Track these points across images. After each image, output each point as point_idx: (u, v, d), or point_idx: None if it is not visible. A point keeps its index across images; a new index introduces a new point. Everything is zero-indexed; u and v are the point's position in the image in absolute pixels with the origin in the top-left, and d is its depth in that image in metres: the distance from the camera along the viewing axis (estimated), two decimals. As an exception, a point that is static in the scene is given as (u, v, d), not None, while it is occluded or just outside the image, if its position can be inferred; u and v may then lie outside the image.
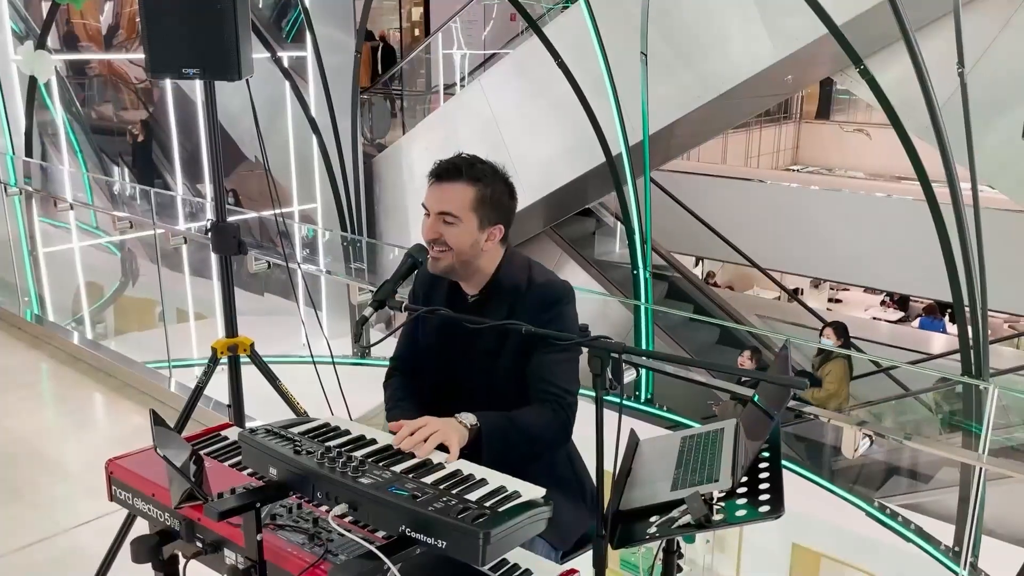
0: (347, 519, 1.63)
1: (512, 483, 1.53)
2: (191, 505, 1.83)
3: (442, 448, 1.69)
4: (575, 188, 7.34)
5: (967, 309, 4.50)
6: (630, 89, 5.88)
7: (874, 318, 14.18)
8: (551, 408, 1.97)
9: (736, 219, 10.02)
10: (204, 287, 7.50)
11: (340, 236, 6.44)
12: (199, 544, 1.81)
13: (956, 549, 4.00)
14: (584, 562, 2.04)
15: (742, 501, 1.74)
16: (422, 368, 2.22)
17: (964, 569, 3.18)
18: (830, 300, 15.71)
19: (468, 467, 1.59)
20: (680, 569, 1.97)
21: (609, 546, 1.75)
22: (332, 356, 2.98)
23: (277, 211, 2.97)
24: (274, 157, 8.56)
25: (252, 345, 2.99)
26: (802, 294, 13.91)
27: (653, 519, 1.80)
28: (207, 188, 8.06)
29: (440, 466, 1.59)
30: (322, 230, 6.44)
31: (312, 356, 2.99)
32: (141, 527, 2.40)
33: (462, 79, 8.96)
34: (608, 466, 2.30)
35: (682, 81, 6.10)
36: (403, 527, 1.41)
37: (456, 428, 1.78)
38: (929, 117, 4.20)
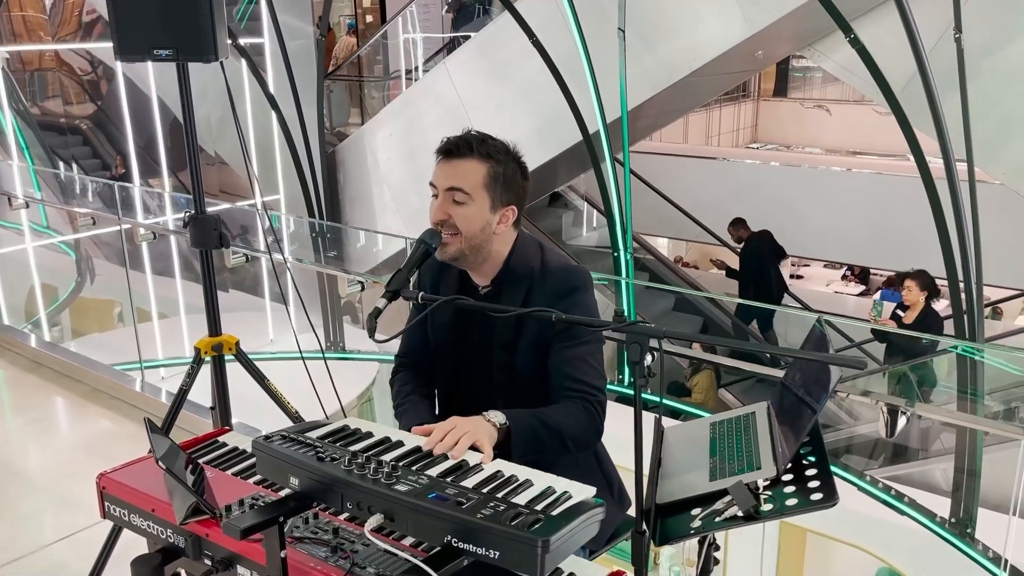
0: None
1: (560, 483, 1.42)
2: (197, 520, 1.69)
3: (473, 449, 1.58)
4: (546, 171, 7.22)
5: (952, 284, 4.48)
6: (601, 67, 5.77)
7: (836, 292, 14.34)
8: (581, 406, 1.86)
9: (701, 198, 10.00)
10: (165, 286, 7.25)
11: (309, 225, 6.24)
12: (208, 562, 1.67)
13: (953, 520, 3.99)
14: (609, 559, 1.94)
15: (790, 489, 1.65)
16: (432, 365, 2.10)
17: (1003, 560, 3.11)
18: (792, 276, 15.83)
19: (508, 467, 1.47)
20: (717, 562, 1.88)
21: (652, 543, 1.66)
22: (323, 351, 2.85)
23: (257, 201, 2.80)
24: (233, 148, 8.31)
25: (237, 343, 2.83)
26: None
27: (695, 512, 1.71)
28: (164, 182, 7.79)
29: (479, 467, 1.47)
30: (286, 216, 6.22)
31: (300, 352, 2.85)
32: (128, 540, 2.25)
33: (427, 62, 8.77)
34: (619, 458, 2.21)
35: (655, 58, 6.01)
36: (448, 537, 1.29)
37: (486, 428, 1.67)
38: (924, 90, 4.12)
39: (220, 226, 2.71)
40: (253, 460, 1.95)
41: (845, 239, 10.26)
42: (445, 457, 1.51)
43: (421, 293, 1.74)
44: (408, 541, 1.57)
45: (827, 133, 13.51)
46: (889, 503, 4.30)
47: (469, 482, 1.40)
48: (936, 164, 4.54)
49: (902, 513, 4.21)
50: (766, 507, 1.62)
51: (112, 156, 10.45)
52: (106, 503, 1.87)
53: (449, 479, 1.41)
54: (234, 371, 2.98)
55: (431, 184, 1.91)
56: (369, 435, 1.59)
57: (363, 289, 3.98)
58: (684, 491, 1.75)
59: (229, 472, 1.91)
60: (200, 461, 1.94)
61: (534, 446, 1.76)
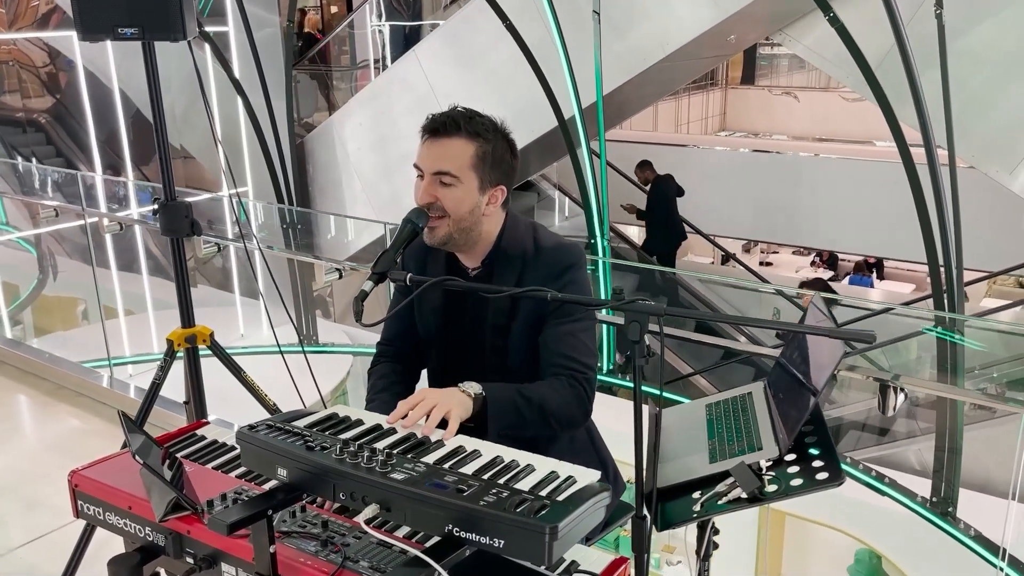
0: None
1: (563, 467, 1.35)
2: (178, 517, 1.61)
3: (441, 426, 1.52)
4: (520, 159, 7.16)
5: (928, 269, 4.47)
6: (572, 54, 5.71)
7: (806, 278, 14.42)
8: (567, 383, 1.79)
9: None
10: (130, 282, 7.07)
11: (279, 215, 6.10)
12: (190, 560, 1.59)
13: (935, 499, 4.00)
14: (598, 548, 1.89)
15: (794, 470, 1.60)
16: (419, 353, 2.02)
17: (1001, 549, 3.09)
18: (761, 263, 15.93)
19: (508, 452, 1.41)
20: (716, 546, 1.83)
21: (654, 528, 1.61)
22: (303, 344, 2.76)
23: (232, 191, 2.70)
24: (198, 140, 8.14)
25: (212, 335, 2.73)
26: (730, 261, 14.04)
27: (696, 495, 1.66)
28: (128, 171, 7.59)
29: (476, 453, 1.40)
30: (254, 203, 6.06)
31: (278, 344, 2.76)
32: (101, 540, 2.16)
33: (395, 50, 8.65)
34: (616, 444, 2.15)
35: (627, 44, 5.96)
36: (449, 527, 1.22)
37: (458, 398, 1.60)
38: (904, 70, 4.10)
39: (191, 213, 2.61)
40: (234, 453, 1.87)
41: (814, 224, 10.33)
42: (441, 444, 1.44)
43: (409, 275, 1.65)
44: (401, 532, 1.50)
45: (794, 120, 13.59)
46: (871, 484, 4.31)
47: (468, 469, 1.34)
48: (914, 149, 4.53)
49: (883, 494, 4.21)
50: (770, 488, 1.57)
51: (73, 151, 10.20)
52: (79, 502, 1.78)
53: (447, 466, 1.34)
54: (206, 365, 2.89)
55: (415, 166, 1.83)
56: (359, 423, 1.52)
57: (341, 277, 3.89)
58: (684, 474, 1.70)
59: (209, 466, 1.83)
60: (178, 455, 1.86)
61: (514, 420, 1.69)
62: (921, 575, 4.44)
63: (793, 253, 15.73)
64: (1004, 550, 2.83)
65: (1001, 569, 3.45)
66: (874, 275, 14.08)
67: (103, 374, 4.52)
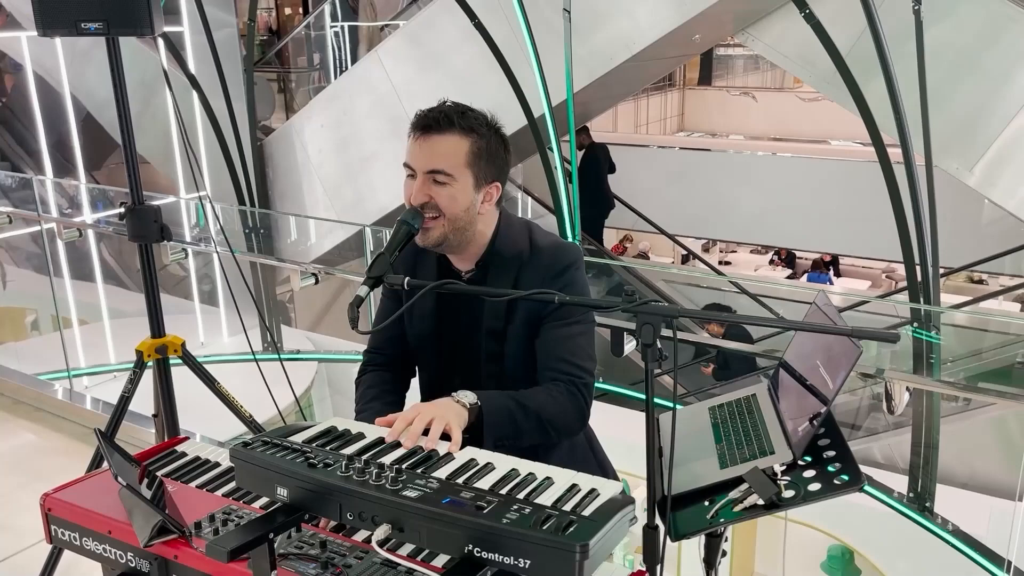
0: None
1: (583, 479, 1.29)
2: (163, 541, 1.50)
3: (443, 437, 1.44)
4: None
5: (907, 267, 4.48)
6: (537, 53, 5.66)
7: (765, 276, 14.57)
8: (565, 389, 1.72)
9: (634, 186, 10.02)
10: (83, 291, 6.85)
11: (241, 220, 5.93)
12: (177, 587, 1.49)
13: (911, 495, 4.01)
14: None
15: (810, 474, 1.56)
16: (409, 361, 1.94)
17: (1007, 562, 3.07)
18: (720, 262, 16.06)
19: (524, 464, 1.33)
20: (725, 553, 1.78)
21: (668, 539, 1.54)
22: (279, 352, 2.65)
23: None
24: (152, 144, 7.91)
25: (183, 345, 2.61)
26: (692, 260, 14.14)
27: (707, 503, 1.60)
28: (81, 176, 7.35)
29: (490, 466, 1.33)
30: (210, 205, 5.84)
31: (252, 352, 2.66)
32: (70, 562, 2.04)
33: (353, 50, 8.52)
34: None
35: (594, 44, 5.92)
36: (469, 547, 1.14)
37: (454, 410, 1.52)
38: (883, 72, 4.11)
39: (160, 217, 2.49)
40: (219, 470, 1.77)
41: (773, 223, 10.44)
42: (451, 457, 1.36)
43: (407, 278, 1.57)
44: (404, 551, 1.42)
45: (751, 120, 13.73)
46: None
47: (484, 483, 1.26)
48: (876, 148, 4.54)
49: (861, 490, 4.20)
50: (787, 494, 1.52)
51: (21, 156, 9.87)
52: (52, 527, 1.66)
53: (460, 481, 1.27)
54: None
55: (406, 164, 1.74)
56: (360, 436, 1.44)
57: (317, 282, 3.78)
58: (694, 481, 1.64)
59: (193, 485, 1.72)
60: (158, 474, 1.75)
61: (510, 429, 1.62)
62: (895, 570, 4.47)
63: (751, 252, 15.88)
64: (1010, 563, 2.81)
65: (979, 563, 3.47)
66: (831, 272, 14.28)
67: (59, 386, 4.34)
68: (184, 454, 1.86)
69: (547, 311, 1.74)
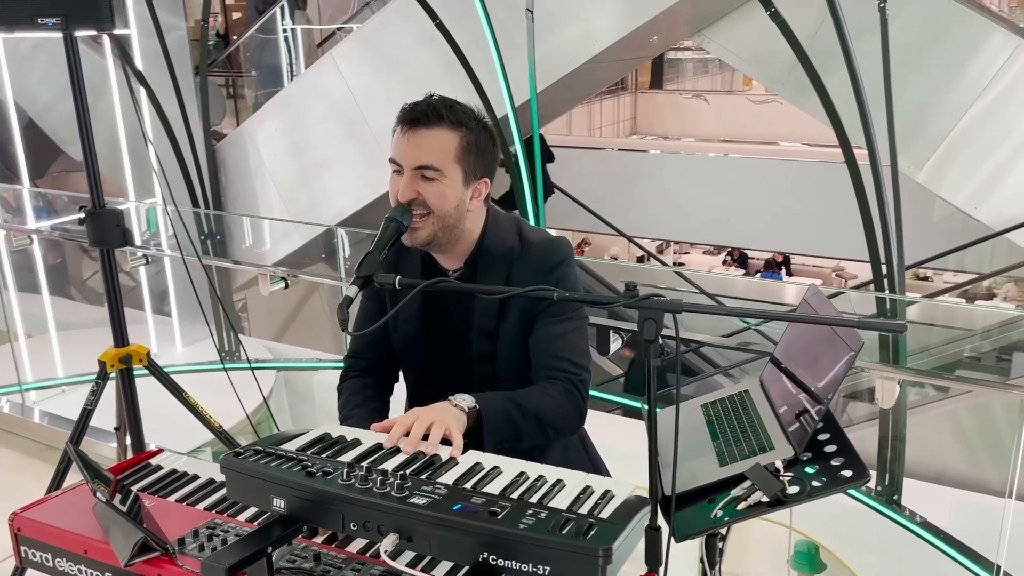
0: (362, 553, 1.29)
1: (595, 481, 1.24)
2: (145, 560, 1.42)
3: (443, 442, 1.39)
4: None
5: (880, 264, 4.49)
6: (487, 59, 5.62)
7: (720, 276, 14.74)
8: (562, 387, 1.68)
9: (591, 188, 10.04)
10: (27, 303, 6.61)
11: (195, 219, 5.75)
12: (162, 607, 1.40)
13: (879, 489, 4.05)
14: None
15: (812, 469, 1.53)
16: (392, 365, 1.88)
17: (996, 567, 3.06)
18: (674, 263, 16.21)
19: (533, 467, 1.29)
20: (722, 552, 1.75)
21: (672, 540, 1.51)
22: (249, 361, 2.57)
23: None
24: (99, 149, 7.67)
25: (149, 354, 2.51)
26: (648, 259, 14.23)
27: (708, 502, 1.57)
28: (25, 184, 7.10)
29: (497, 470, 1.27)
30: (176, 206, 5.65)
31: (222, 362, 2.56)
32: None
33: (322, 43, 8.37)
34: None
35: (552, 46, 5.90)
36: (484, 554, 1.09)
37: (453, 414, 1.47)
38: (846, 66, 4.12)
39: (123, 221, 2.39)
40: (198, 483, 1.69)
41: (726, 223, 10.56)
42: (454, 462, 1.31)
43: (398, 277, 1.51)
44: (403, 560, 1.36)
45: (703, 123, 13.89)
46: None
47: (493, 488, 1.21)
48: (841, 146, 4.57)
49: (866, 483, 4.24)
50: (792, 490, 1.50)
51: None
52: (22, 548, 1.56)
53: (468, 486, 1.21)
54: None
55: (392, 160, 1.68)
56: (356, 443, 1.37)
57: (287, 287, 3.67)
58: (694, 480, 1.61)
59: (171, 499, 1.64)
60: (133, 488, 1.66)
61: (509, 431, 1.58)
62: (861, 564, 4.51)
63: (704, 253, 16.08)
64: (999, 567, 2.84)
65: (951, 557, 3.51)
66: (783, 271, 14.52)
67: (5, 401, 4.16)
68: (159, 467, 1.77)
69: (541, 308, 1.70)
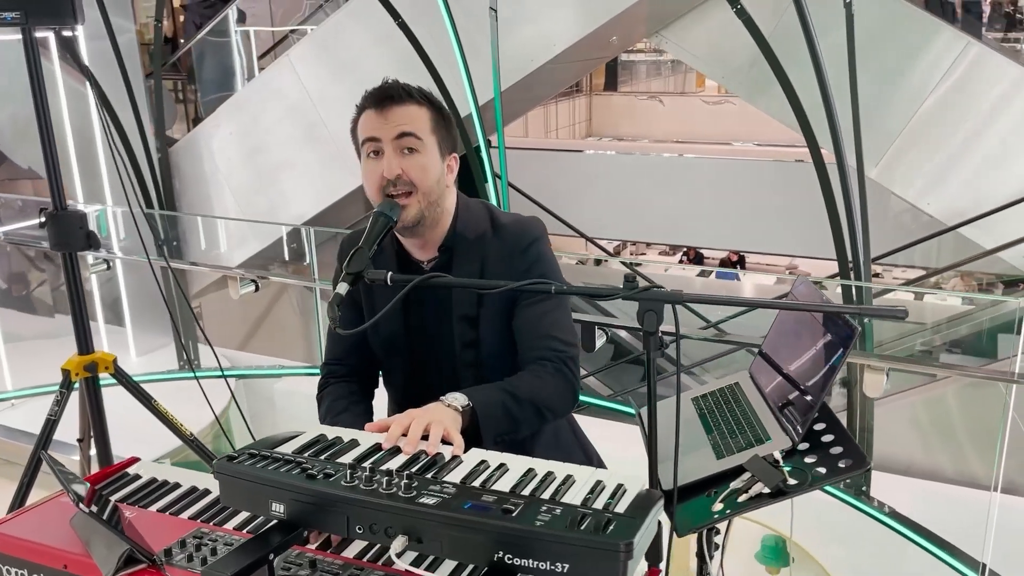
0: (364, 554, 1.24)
1: (605, 475, 1.21)
2: (131, 572, 1.36)
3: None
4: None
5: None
6: (453, 58, 5.58)
7: (675, 276, 14.86)
8: (552, 368, 1.65)
9: (546, 190, 10.05)
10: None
11: (147, 219, 5.55)
12: (150, 622, 1.34)
13: (847, 480, 4.10)
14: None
15: (811, 459, 1.53)
16: (373, 367, 1.83)
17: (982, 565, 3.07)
18: (632, 264, 16.28)
19: (540, 464, 1.25)
20: (718, 547, 1.74)
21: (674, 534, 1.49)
22: (222, 369, 2.50)
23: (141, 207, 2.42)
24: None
25: (115, 361, 2.42)
26: (601, 263, 14.30)
27: (708, 495, 1.55)
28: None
29: (504, 468, 1.24)
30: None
31: (194, 371, 2.49)
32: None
33: (261, 56, 8.24)
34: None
35: (513, 45, 5.88)
36: (500, 554, 1.06)
37: (449, 414, 1.43)
38: (815, 71, 4.16)
39: (86, 224, 2.30)
40: (180, 492, 1.62)
41: (682, 223, 10.67)
42: (458, 460, 1.27)
43: (390, 273, 1.47)
44: (405, 561, 1.31)
45: (657, 124, 14.01)
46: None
47: (502, 485, 1.17)
48: (808, 143, 4.61)
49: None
50: (792, 480, 1.49)
51: None
52: (-4, 565, 1.49)
53: (476, 484, 1.18)
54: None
55: (367, 140, 1.64)
56: (355, 444, 1.33)
57: (257, 289, 3.58)
58: (692, 474, 1.59)
59: (153, 509, 1.57)
60: (111, 499, 1.59)
61: (507, 424, 1.55)
62: (829, 556, 4.56)
63: (660, 253, 16.20)
64: (984, 565, 2.87)
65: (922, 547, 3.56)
66: (739, 269, 14.69)
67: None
68: (138, 476, 1.70)
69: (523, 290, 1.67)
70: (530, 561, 1.04)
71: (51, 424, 2.35)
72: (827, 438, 1.56)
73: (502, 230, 1.71)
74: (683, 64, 16.30)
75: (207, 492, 1.61)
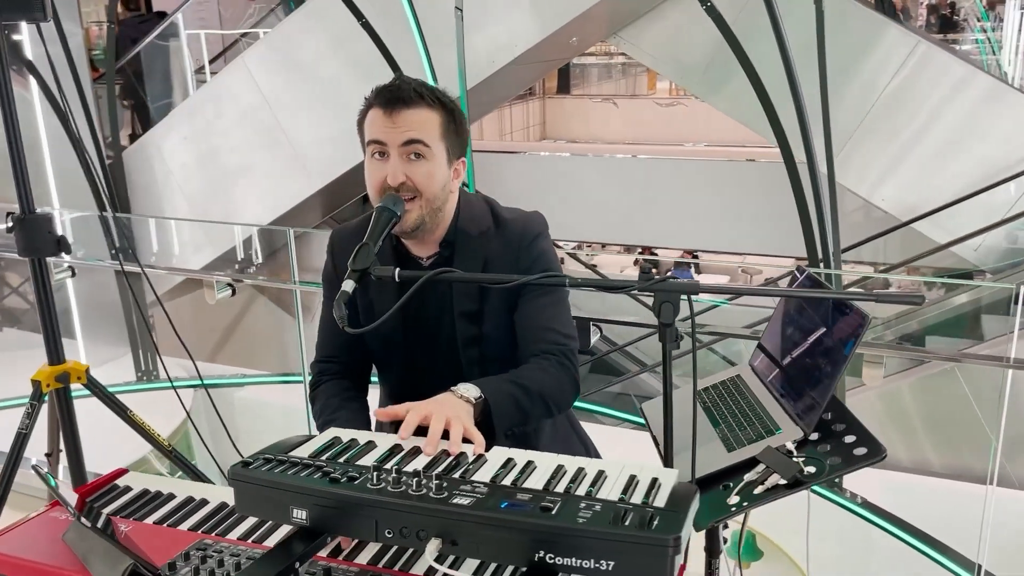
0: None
1: (637, 468, 1.18)
2: (136, 588, 1.29)
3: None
4: (360, 171, 6.88)
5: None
6: (414, 58, 5.53)
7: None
8: (555, 361, 1.62)
9: (503, 193, 10.04)
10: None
11: (101, 222, 5.38)
12: (158, 641, 1.27)
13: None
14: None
15: (825, 448, 1.52)
16: (367, 365, 1.79)
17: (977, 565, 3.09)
18: (589, 266, 16.33)
19: (570, 460, 1.22)
20: (726, 540, 1.72)
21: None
22: (201, 378, 2.43)
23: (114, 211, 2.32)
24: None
25: (88, 371, 2.33)
26: (563, 261, 14.34)
27: (724, 487, 1.54)
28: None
29: (532, 465, 1.20)
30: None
31: (171, 381, 2.41)
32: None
33: (211, 61, 8.05)
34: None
35: (474, 46, 5.86)
36: (540, 553, 1.02)
37: (463, 407, 1.40)
38: (784, 69, 4.18)
39: (55, 228, 2.21)
40: (176, 503, 1.55)
41: (637, 223, 10.76)
42: (483, 459, 1.23)
43: (398, 270, 1.43)
44: (420, 567, 1.27)
45: (610, 126, 14.09)
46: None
47: (534, 483, 1.14)
48: (779, 142, 4.62)
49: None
50: (809, 469, 1.48)
51: None
52: (-12, 586, 1.40)
53: (507, 483, 1.14)
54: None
55: (373, 142, 1.60)
56: (372, 445, 1.28)
57: (234, 294, 3.48)
58: (705, 467, 1.57)
59: (149, 521, 1.50)
60: (103, 512, 1.52)
61: (518, 416, 1.52)
62: (799, 548, 4.61)
63: (616, 253, 16.28)
64: (979, 566, 2.91)
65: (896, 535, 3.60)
66: (692, 269, 14.85)
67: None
68: (128, 488, 1.62)
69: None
70: (573, 560, 1.01)
71: (22, 438, 2.24)
72: (838, 427, 1.55)
73: (505, 226, 1.69)
74: (634, 67, 16.46)
75: (205, 502, 1.55)
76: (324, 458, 1.21)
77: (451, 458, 1.23)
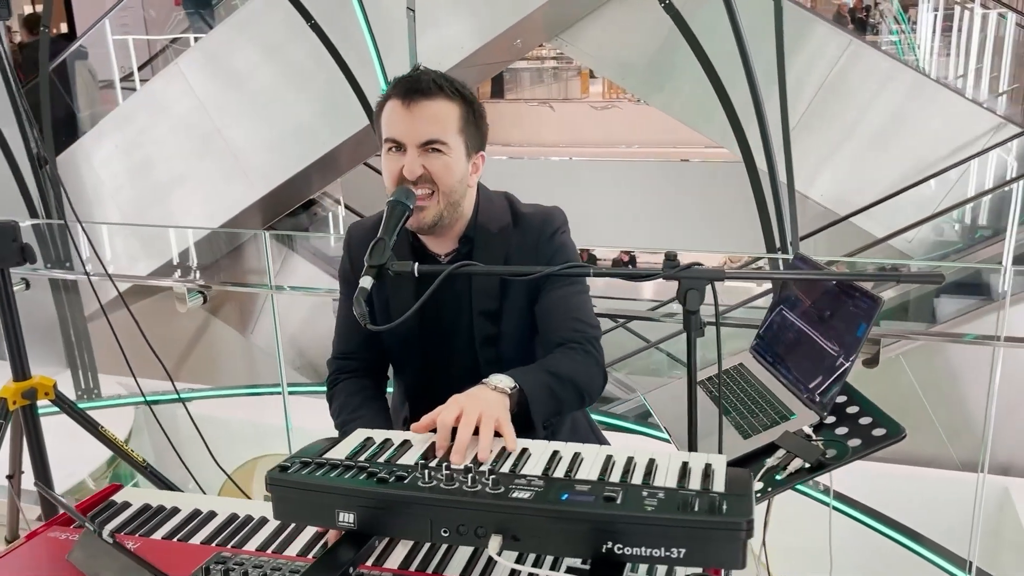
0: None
1: (690, 457, 1.17)
2: (157, 606, 1.22)
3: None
4: (299, 180, 6.74)
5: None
6: (362, 59, 5.45)
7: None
8: (581, 349, 1.59)
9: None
10: None
11: (33, 231, 5.13)
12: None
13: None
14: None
15: (843, 431, 1.53)
16: (383, 363, 1.74)
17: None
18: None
19: (619, 451, 1.20)
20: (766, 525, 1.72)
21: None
22: (177, 392, 2.34)
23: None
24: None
25: (55, 386, 2.21)
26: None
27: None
28: None
29: (579, 457, 1.18)
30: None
31: (178, 392, 2.32)
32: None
33: (141, 67, 7.78)
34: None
35: (419, 50, 5.81)
36: (609, 544, 1.00)
37: (498, 401, 1.34)
38: (743, 67, 4.21)
39: (19, 236, 2.09)
40: (182, 517, 1.48)
41: (575, 225, 10.83)
42: (527, 453, 1.20)
43: (417, 264, 1.39)
44: (457, 566, 1.23)
45: (546, 130, 14.13)
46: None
47: (587, 474, 1.11)
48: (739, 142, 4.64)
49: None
50: (830, 452, 1.49)
51: None
52: (-15, 615, 1.31)
53: (559, 475, 1.11)
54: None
55: (389, 139, 1.55)
56: (407, 444, 1.23)
57: (206, 301, 3.34)
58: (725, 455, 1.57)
59: (156, 537, 1.42)
60: (106, 529, 1.43)
61: (553, 406, 1.49)
62: (768, 541, 4.68)
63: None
64: (970, 563, 2.96)
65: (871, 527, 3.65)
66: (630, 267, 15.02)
67: None
68: (127, 503, 1.54)
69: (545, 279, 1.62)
70: (642, 549, 0.99)
71: (-13, 459, 2.11)
72: (852, 410, 1.57)
73: (525, 220, 1.66)
74: (565, 71, 16.58)
75: (213, 514, 1.48)
76: (366, 459, 1.16)
77: (492, 455, 1.20)
